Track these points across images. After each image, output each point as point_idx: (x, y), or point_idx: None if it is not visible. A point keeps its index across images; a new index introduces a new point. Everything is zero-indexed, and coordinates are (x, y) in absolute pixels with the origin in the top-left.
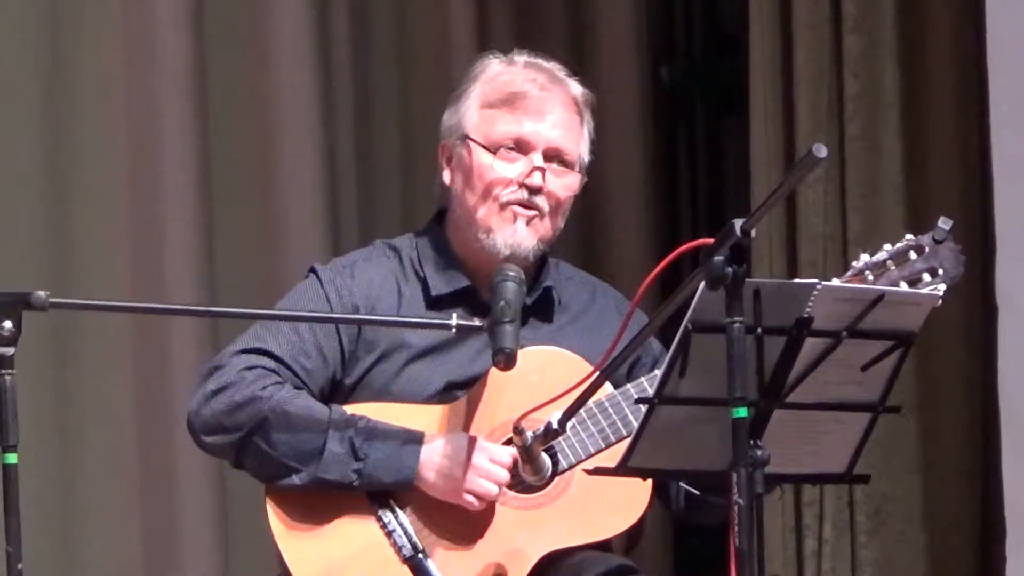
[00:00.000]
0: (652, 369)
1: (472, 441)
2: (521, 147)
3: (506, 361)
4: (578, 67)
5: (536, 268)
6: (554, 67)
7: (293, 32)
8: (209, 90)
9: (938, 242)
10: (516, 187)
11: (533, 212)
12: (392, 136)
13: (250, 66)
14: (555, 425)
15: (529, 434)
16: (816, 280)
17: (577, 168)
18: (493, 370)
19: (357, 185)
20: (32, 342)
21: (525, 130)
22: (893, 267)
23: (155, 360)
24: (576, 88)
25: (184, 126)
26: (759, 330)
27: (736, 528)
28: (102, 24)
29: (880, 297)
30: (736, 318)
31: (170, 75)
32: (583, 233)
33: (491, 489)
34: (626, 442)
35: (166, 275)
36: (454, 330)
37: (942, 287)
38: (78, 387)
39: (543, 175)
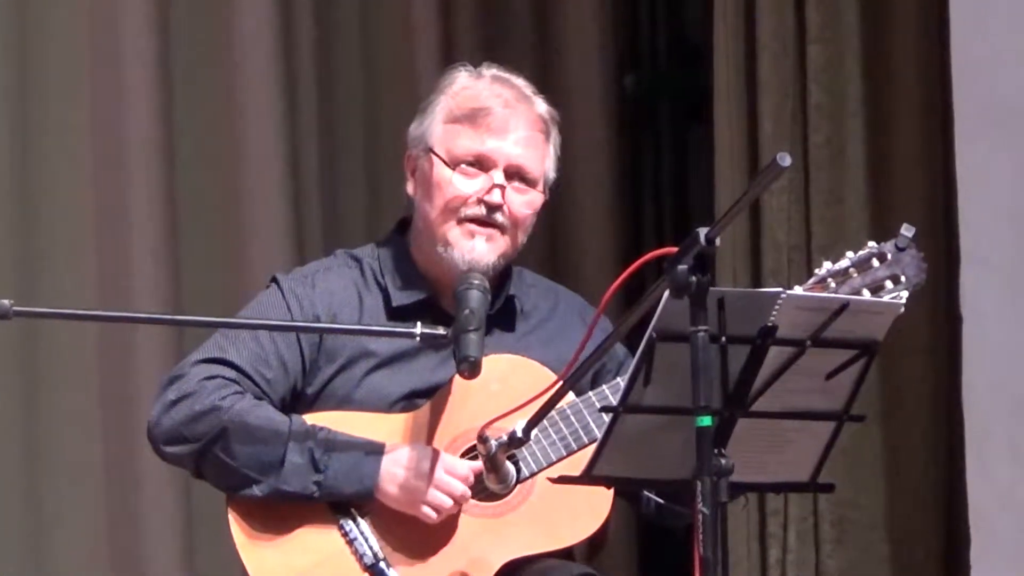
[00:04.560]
0: (616, 375)
1: (434, 454)
2: (482, 164)
3: (471, 369)
4: (543, 76)
5: (499, 277)
6: (522, 84)
7: (258, 42)
8: (174, 99)
9: (900, 249)
10: (475, 203)
11: (491, 230)
12: (357, 146)
13: (215, 76)
14: (519, 433)
15: (493, 442)
16: (780, 289)
17: (540, 186)
18: (456, 378)
19: (321, 195)
20: None
21: (487, 147)
22: (856, 274)
23: (120, 368)
24: (542, 106)
25: (150, 135)
26: (723, 339)
27: (700, 536)
28: (69, 31)
29: (844, 306)
30: (700, 327)
31: (136, 85)
32: (548, 241)
33: (446, 502)
34: (588, 449)
35: (131, 284)
36: (418, 339)
37: (904, 294)
38: (42, 395)
39: (503, 192)
